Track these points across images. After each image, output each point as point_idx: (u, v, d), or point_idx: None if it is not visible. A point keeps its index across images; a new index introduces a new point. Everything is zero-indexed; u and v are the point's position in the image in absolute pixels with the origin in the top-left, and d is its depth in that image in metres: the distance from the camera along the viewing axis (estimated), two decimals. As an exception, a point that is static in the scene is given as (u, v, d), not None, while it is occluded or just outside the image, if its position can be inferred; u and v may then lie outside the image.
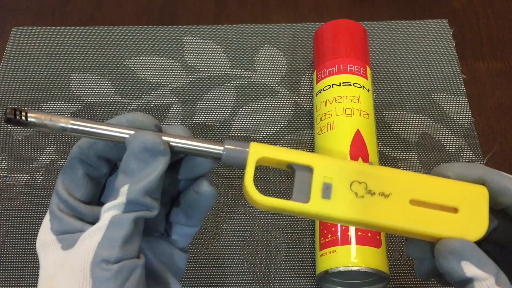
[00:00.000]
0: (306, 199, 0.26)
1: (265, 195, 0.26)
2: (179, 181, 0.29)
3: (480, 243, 0.28)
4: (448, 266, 0.25)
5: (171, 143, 0.26)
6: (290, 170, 0.27)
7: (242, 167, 0.26)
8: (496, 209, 0.27)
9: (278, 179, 0.45)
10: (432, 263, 0.28)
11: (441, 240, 0.25)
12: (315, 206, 0.25)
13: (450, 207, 0.26)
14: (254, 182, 0.26)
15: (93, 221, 0.26)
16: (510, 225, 0.27)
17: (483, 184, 0.26)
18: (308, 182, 0.26)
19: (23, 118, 0.25)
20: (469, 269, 0.24)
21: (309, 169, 0.26)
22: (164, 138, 0.26)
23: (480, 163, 0.26)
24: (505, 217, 0.27)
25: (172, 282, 0.28)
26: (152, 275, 0.28)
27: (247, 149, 0.26)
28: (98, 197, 0.29)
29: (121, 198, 0.25)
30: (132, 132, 0.26)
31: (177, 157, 0.28)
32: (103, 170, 0.28)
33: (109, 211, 0.25)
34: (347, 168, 0.26)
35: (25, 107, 0.50)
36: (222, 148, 0.26)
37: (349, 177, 0.26)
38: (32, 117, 0.25)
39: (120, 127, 0.26)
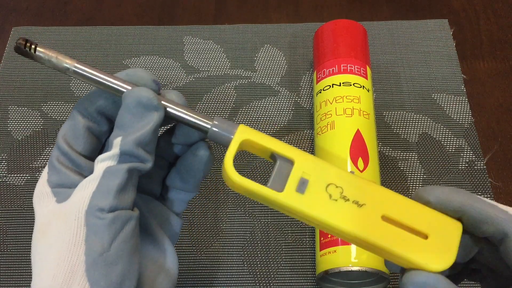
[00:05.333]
0: (280, 189, 0.26)
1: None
2: (176, 146, 0.29)
3: (469, 263, 0.28)
4: None
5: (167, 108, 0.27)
6: (272, 160, 0.27)
7: (226, 145, 0.27)
8: (479, 237, 0.26)
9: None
10: None
11: (406, 273, 0.25)
12: (287, 197, 0.25)
13: (420, 232, 0.25)
14: (235, 163, 0.26)
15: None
16: (493, 251, 0.26)
17: (464, 212, 0.25)
18: (287, 173, 0.26)
19: (32, 50, 0.26)
20: None
21: (290, 162, 0.26)
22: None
23: (465, 189, 0.27)
24: (488, 244, 0.26)
25: (166, 242, 0.29)
26: (146, 232, 0.29)
27: (235, 129, 0.27)
28: (97, 155, 0.29)
29: (115, 150, 0.25)
30: (129, 87, 0.26)
31: (171, 123, 0.28)
32: (103, 127, 0.28)
33: (103, 162, 0.26)
34: (327, 169, 0.26)
35: (25, 107, 0.50)
36: (210, 123, 0.27)
37: (327, 178, 0.26)
38: (40, 51, 0.26)
39: (119, 80, 0.27)
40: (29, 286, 0.41)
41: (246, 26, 0.55)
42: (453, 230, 0.25)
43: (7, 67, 0.53)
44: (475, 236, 0.26)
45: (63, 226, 0.25)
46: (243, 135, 0.26)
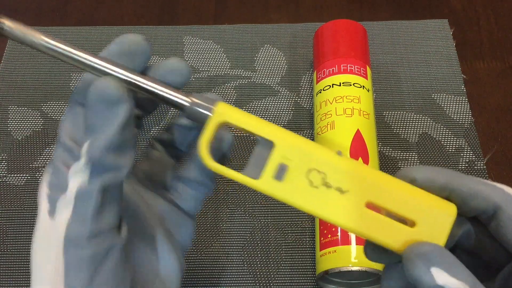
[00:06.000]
0: (257, 175, 0.24)
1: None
2: (192, 130, 0.28)
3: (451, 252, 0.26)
4: (416, 273, 0.21)
5: (137, 83, 0.24)
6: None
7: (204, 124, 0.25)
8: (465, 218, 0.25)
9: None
10: (401, 278, 0.25)
11: (410, 245, 0.23)
12: (264, 184, 0.24)
13: (408, 219, 0.24)
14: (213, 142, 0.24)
15: None
16: (483, 231, 0.25)
17: (451, 190, 0.24)
18: (266, 158, 0.24)
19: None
20: (440, 277, 0.21)
21: (271, 145, 0.24)
22: (128, 77, 0.24)
23: (449, 169, 0.25)
24: (477, 223, 0.25)
25: (166, 248, 0.27)
26: (145, 237, 0.27)
27: (213, 108, 0.24)
28: None
29: (83, 159, 0.23)
30: (109, 68, 0.24)
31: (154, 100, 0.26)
32: None
33: (75, 177, 0.23)
34: (310, 153, 0.24)
35: (25, 107, 0.50)
36: (188, 100, 0.25)
37: (309, 163, 0.24)
38: (8, 26, 0.24)
39: (99, 59, 0.24)
40: (29, 286, 0.41)
41: (246, 26, 0.55)
42: (445, 215, 0.24)
43: (7, 67, 0.52)
44: (460, 218, 0.25)
45: (47, 250, 0.23)
46: (221, 116, 0.24)
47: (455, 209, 0.24)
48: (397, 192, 0.24)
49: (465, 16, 0.56)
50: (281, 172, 0.24)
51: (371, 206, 0.24)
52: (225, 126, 0.25)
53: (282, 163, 0.24)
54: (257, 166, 0.24)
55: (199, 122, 0.25)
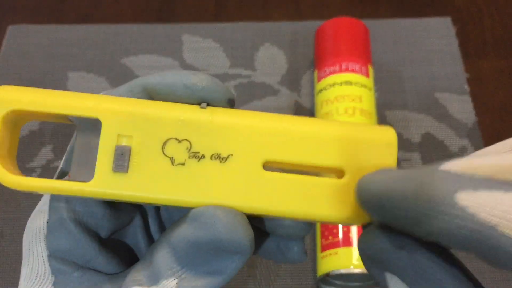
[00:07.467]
0: (89, 175, 0.17)
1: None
2: None
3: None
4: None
5: None
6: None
7: None
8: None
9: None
10: None
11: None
12: (101, 185, 0.17)
13: (331, 168, 0.17)
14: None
15: None
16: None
17: None
18: (94, 145, 0.17)
19: None
20: None
21: (96, 125, 0.17)
22: None
23: None
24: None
25: None
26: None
27: None
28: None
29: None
30: None
31: None
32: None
33: None
34: (158, 117, 0.17)
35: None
36: None
37: (161, 133, 0.17)
38: None
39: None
40: None
41: (246, 24, 0.55)
42: (385, 144, 0.17)
43: (4, 65, 0.52)
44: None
45: None
46: (6, 105, 0.18)
47: (394, 134, 0.17)
48: (310, 133, 0.17)
49: (468, 14, 0.56)
50: (121, 159, 0.17)
51: (272, 166, 0.17)
52: (21, 117, 0.18)
53: (121, 145, 0.17)
54: (85, 163, 0.17)
55: None
